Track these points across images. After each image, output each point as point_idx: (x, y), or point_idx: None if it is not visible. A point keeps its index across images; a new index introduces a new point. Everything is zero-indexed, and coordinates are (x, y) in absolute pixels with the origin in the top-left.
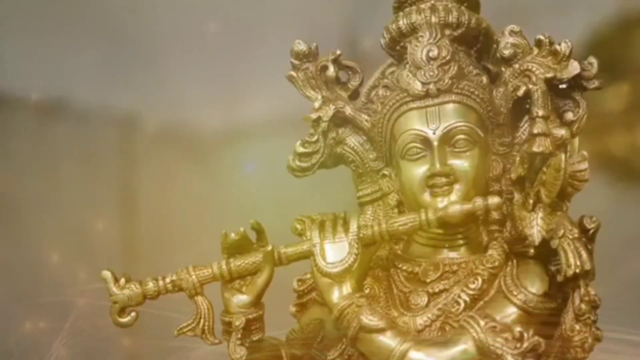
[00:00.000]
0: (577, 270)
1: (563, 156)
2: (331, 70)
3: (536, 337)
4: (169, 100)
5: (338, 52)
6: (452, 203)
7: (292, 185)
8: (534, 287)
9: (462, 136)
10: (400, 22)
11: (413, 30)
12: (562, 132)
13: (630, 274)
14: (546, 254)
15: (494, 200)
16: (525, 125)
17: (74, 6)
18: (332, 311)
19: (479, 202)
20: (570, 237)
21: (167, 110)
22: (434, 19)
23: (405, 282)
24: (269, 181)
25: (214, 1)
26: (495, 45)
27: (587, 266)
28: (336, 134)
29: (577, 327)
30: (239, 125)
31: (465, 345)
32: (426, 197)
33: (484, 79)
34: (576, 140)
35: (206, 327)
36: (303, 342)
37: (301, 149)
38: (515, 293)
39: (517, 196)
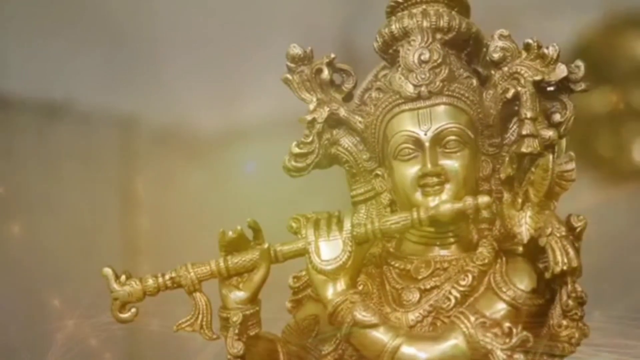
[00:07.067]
0: (565, 268)
1: (551, 157)
2: (326, 73)
3: (525, 333)
4: (168, 101)
5: (332, 55)
6: (443, 202)
7: (288, 185)
8: (523, 283)
9: (452, 137)
10: (393, 27)
11: (405, 34)
12: (549, 133)
13: (617, 271)
14: (534, 252)
15: (483, 199)
16: (514, 126)
17: (75, 9)
18: (327, 307)
19: (469, 201)
20: (558, 235)
21: (166, 111)
22: (425, 24)
23: (397, 279)
24: (266, 181)
25: (213, 3)
26: (485, 49)
27: (574, 263)
28: (330, 135)
29: (565, 322)
30: (237, 126)
31: (455, 341)
32: (418, 196)
33: (474, 81)
34: (563, 141)
35: (204, 323)
36: (298, 337)
37: (296, 150)
38: (504, 289)
39: (506, 195)
